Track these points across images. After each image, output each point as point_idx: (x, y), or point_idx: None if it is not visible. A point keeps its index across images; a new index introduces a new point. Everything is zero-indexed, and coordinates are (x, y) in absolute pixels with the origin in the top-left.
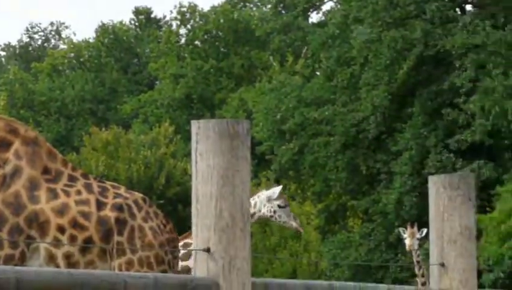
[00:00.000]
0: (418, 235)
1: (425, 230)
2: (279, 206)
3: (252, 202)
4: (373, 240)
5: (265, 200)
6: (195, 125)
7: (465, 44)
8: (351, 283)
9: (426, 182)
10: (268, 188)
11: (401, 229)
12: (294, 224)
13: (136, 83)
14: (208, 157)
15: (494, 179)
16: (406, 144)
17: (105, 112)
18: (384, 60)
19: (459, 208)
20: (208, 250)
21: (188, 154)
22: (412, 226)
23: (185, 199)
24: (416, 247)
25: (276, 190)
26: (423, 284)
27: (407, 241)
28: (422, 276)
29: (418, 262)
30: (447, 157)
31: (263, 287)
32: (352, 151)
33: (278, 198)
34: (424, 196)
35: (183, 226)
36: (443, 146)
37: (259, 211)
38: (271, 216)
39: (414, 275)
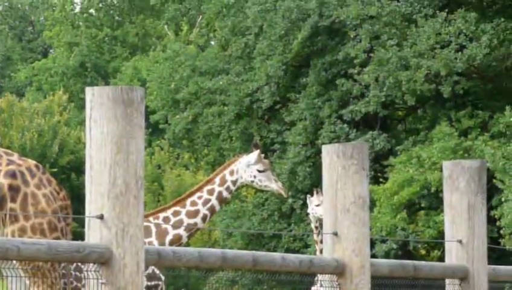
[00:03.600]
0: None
1: None
2: (258, 170)
3: (234, 168)
4: (266, 209)
5: (244, 166)
6: (89, 92)
7: (359, 15)
8: (244, 251)
9: (320, 152)
10: (236, 154)
11: (308, 196)
12: (275, 187)
13: (30, 51)
14: (102, 124)
15: (387, 150)
16: (300, 114)
17: None
18: (278, 30)
19: (352, 177)
20: (101, 217)
21: (82, 123)
22: (319, 194)
23: (78, 167)
24: (318, 214)
25: (253, 155)
26: (322, 251)
27: (321, 210)
28: (321, 242)
29: (316, 228)
30: (341, 127)
31: (156, 255)
32: (246, 121)
33: (256, 163)
34: (317, 166)
35: (76, 194)
36: (337, 117)
37: (241, 177)
38: (252, 181)
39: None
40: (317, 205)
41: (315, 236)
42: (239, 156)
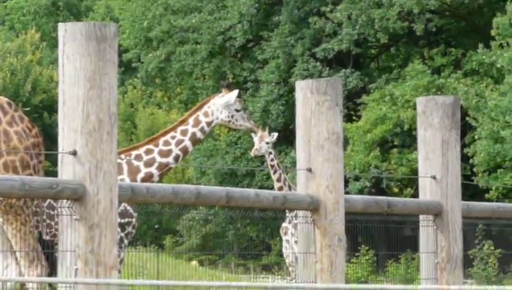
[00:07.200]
0: (267, 139)
1: (275, 134)
2: (236, 110)
3: (209, 110)
4: (239, 148)
5: (221, 107)
6: (62, 28)
7: None
8: (218, 187)
9: (293, 90)
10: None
11: (253, 134)
12: (249, 125)
13: None
14: (74, 60)
15: (360, 88)
16: (273, 52)
17: None
18: None
19: (326, 113)
20: (74, 153)
21: (54, 62)
22: (263, 130)
23: (51, 106)
24: (263, 150)
25: (233, 95)
26: (280, 188)
27: (255, 146)
28: (278, 181)
29: (272, 166)
30: (314, 65)
31: (130, 191)
32: (219, 60)
33: (234, 102)
34: (290, 105)
35: (49, 133)
36: (310, 55)
37: (217, 118)
38: (229, 121)
39: None
40: (267, 143)
41: (271, 174)
42: (212, 96)
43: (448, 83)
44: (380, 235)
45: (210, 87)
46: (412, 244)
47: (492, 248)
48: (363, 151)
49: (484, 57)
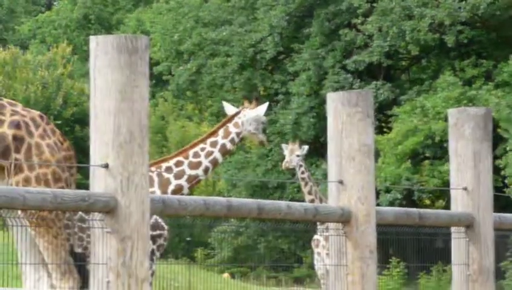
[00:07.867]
0: (298, 152)
1: (306, 147)
2: (262, 123)
3: (239, 121)
4: (270, 160)
5: (252, 119)
6: (93, 41)
7: None
8: (250, 200)
9: (323, 102)
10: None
11: (283, 145)
12: (263, 138)
13: (34, 3)
14: (106, 73)
15: (391, 100)
16: (304, 64)
17: (3, 32)
18: None
19: (357, 125)
20: (106, 166)
21: (85, 75)
22: (294, 143)
23: (82, 119)
24: (294, 163)
25: (264, 107)
26: (311, 201)
27: (285, 159)
28: (309, 193)
29: (303, 179)
30: (345, 77)
31: (162, 203)
32: (250, 72)
33: (262, 115)
34: (321, 117)
35: (80, 146)
36: (340, 67)
37: (245, 129)
38: (254, 133)
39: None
40: (298, 156)
41: (302, 187)
42: (241, 108)
43: (479, 95)
44: (412, 247)
45: (241, 100)
46: (444, 256)
47: None
48: (394, 163)
49: None
